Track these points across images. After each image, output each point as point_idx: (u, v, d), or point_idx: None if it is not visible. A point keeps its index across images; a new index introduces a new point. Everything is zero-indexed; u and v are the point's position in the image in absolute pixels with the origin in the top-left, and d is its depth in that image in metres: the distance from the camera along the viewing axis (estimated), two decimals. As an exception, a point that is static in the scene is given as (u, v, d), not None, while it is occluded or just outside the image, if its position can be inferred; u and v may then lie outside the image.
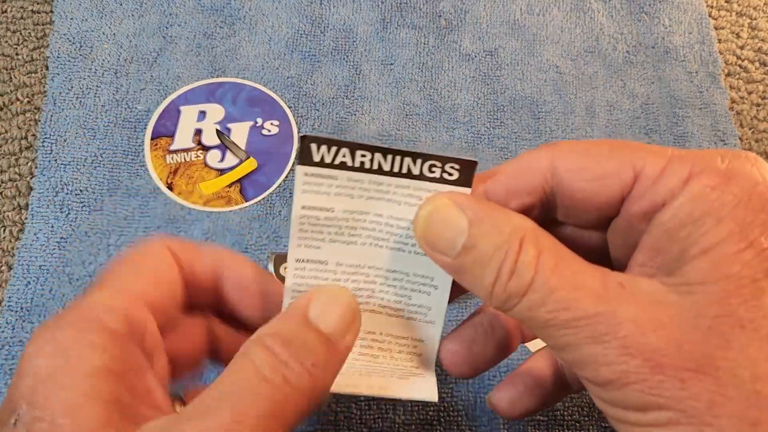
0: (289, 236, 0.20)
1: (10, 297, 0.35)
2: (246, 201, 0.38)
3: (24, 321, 0.34)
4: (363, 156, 0.19)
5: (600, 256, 0.21)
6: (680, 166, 0.17)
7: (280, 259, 0.23)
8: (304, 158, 0.19)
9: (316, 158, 0.19)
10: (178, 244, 0.22)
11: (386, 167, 0.19)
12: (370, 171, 0.19)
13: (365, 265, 0.21)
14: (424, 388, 0.22)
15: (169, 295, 0.21)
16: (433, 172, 0.19)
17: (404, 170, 0.19)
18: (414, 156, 0.19)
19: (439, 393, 0.23)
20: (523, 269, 0.18)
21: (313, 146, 0.19)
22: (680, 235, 0.17)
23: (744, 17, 0.48)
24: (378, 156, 0.19)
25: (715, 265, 0.16)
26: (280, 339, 0.18)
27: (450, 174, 0.19)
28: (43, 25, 0.43)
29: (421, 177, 0.20)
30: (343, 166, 0.19)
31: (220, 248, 0.23)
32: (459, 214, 0.19)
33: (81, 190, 0.38)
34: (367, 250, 0.21)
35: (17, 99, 0.40)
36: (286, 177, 0.39)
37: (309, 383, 0.18)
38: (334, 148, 0.19)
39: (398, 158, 0.19)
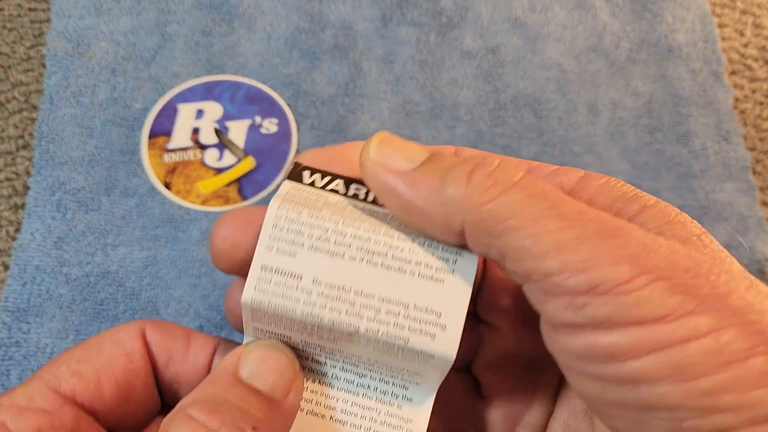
0: (260, 234, 0.16)
1: (6, 297, 0.34)
2: (244, 200, 0.38)
3: (20, 322, 0.34)
4: (357, 189, 0.17)
5: None
6: None
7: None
8: (293, 177, 0.17)
9: (306, 181, 0.17)
10: (161, 327, 0.18)
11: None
12: (366, 201, 0.17)
13: (352, 288, 0.16)
14: None
15: (121, 392, 0.17)
16: None
17: None
18: None
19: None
20: (511, 168, 0.15)
21: (306, 172, 0.17)
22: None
23: (747, 15, 0.48)
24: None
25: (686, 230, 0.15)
26: (207, 405, 0.15)
27: None
28: (40, 22, 0.42)
29: None
30: (335, 192, 0.17)
31: (214, 336, 0.19)
32: (419, 145, 0.16)
33: (78, 190, 0.37)
34: (357, 268, 0.16)
35: (14, 97, 0.40)
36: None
37: None
38: (327, 178, 0.17)
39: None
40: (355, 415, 0.18)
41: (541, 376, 0.19)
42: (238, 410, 0.15)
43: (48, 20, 0.42)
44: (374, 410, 0.18)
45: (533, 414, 0.19)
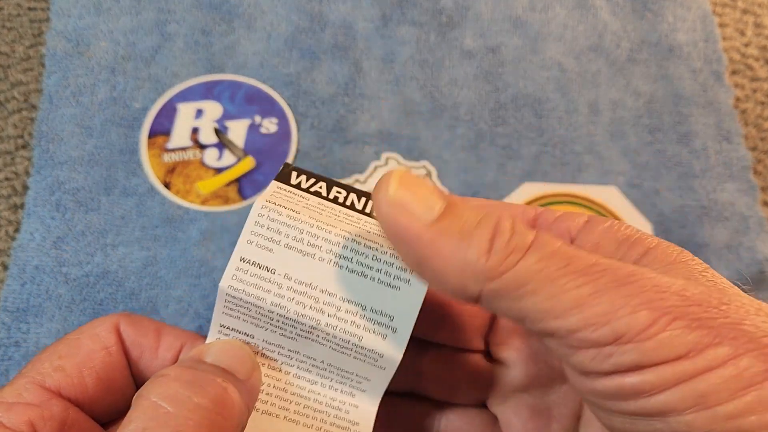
0: (243, 229, 0.18)
1: (5, 297, 0.34)
2: (244, 200, 0.38)
3: (20, 322, 0.34)
4: (338, 192, 0.19)
5: None
6: None
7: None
8: (281, 178, 0.19)
9: (293, 182, 0.19)
10: (134, 323, 0.19)
11: (359, 206, 0.19)
12: (343, 205, 0.19)
13: (317, 286, 0.18)
14: None
15: (103, 385, 0.18)
16: None
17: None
18: None
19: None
20: (523, 231, 0.15)
21: (294, 173, 0.19)
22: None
23: (748, 14, 0.48)
24: (353, 196, 0.19)
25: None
26: (179, 367, 0.16)
27: None
28: (39, 22, 0.42)
29: None
30: (317, 194, 0.19)
31: (183, 331, 0.20)
32: (434, 188, 0.17)
33: (77, 189, 0.37)
34: (324, 269, 0.18)
35: (13, 97, 0.40)
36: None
37: (228, 399, 0.15)
38: (312, 180, 0.19)
39: (372, 203, 0.18)
40: (307, 416, 0.19)
41: (556, 409, 0.20)
42: (208, 370, 0.16)
43: (47, 19, 0.42)
44: (324, 413, 0.19)
45: None
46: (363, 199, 0.19)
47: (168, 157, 0.39)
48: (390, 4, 0.45)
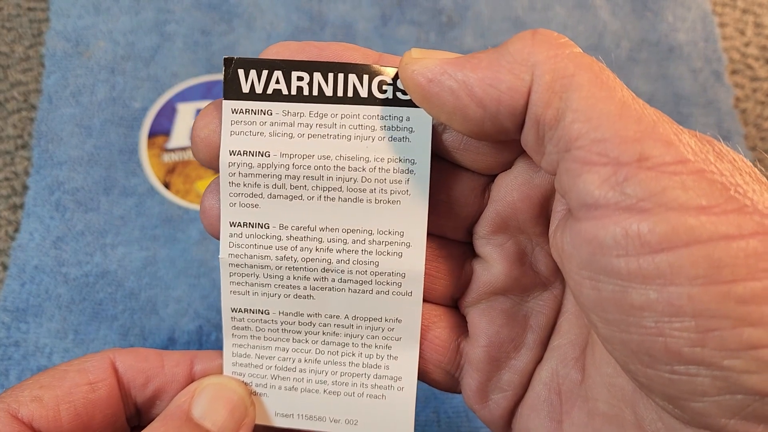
0: (219, 193, 0.17)
1: (5, 297, 0.34)
2: (244, 200, 0.38)
3: (19, 322, 0.34)
4: (300, 79, 0.17)
5: None
6: None
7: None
8: (231, 90, 0.17)
9: (245, 88, 0.17)
10: (131, 352, 0.19)
11: (328, 92, 0.17)
12: (310, 99, 0.17)
13: (316, 226, 0.17)
14: (399, 418, 0.18)
15: (80, 422, 0.17)
16: (385, 92, 0.17)
17: (350, 93, 0.17)
18: (360, 71, 0.16)
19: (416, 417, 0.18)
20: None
21: (241, 72, 0.17)
22: None
23: (748, 14, 0.48)
24: (318, 77, 0.17)
25: None
26: (162, 427, 0.16)
27: (405, 93, 0.16)
28: (38, 22, 0.42)
29: (370, 100, 0.17)
30: (277, 95, 0.17)
31: (187, 351, 0.20)
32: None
33: (77, 189, 0.37)
34: (315, 206, 0.17)
35: (13, 97, 0.40)
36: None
37: None
38: (265, 73, 0.17)
39: (341, 77, 0.17)
40: (346, 384, 0.18)
41: (533, 318, 0.18)
42: None
43: (47, 20, 0.42)
44: (363, 376, 0.18)
45: (521, 359, 0.18)
46: (330, 77, 0.17)
47: (168, 157, 0.39)
48: (390, 3, 0.45)
